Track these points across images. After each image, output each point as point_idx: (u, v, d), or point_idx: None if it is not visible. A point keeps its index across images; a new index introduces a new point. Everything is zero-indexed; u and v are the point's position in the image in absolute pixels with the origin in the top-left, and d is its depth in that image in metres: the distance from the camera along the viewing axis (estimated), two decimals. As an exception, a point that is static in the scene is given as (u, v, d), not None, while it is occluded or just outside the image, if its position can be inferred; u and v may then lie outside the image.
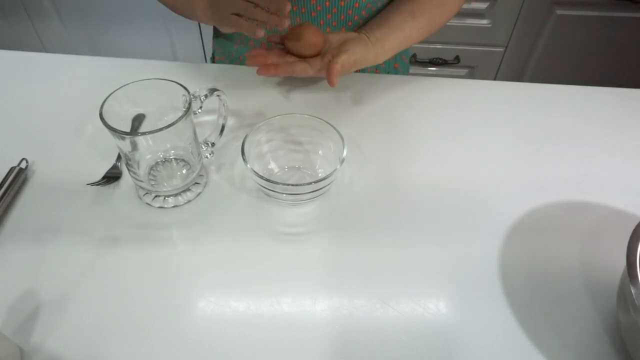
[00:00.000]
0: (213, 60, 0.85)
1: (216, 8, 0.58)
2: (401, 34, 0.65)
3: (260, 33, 0.54)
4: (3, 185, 0.52)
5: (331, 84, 0.57)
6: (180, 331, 0.43)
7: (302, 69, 0.61)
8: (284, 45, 0.63)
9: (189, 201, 0.54)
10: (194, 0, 0.61)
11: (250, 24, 0.55)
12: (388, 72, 0.79)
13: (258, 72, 0.60)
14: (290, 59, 0.62)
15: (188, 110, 0.48)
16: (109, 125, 0.45)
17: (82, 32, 1.57)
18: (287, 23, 0.54)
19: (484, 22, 1.37)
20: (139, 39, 1.57)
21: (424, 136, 0.62)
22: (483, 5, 1.33)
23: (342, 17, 0.68)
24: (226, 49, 0.78)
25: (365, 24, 0.68)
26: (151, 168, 0.53)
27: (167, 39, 1.55)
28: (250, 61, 0.60)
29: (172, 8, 0.68)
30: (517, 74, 1.51)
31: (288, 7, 0.53)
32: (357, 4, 0.67)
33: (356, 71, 0.74)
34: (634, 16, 1.32)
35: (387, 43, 0.64)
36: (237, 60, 0.77)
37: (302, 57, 0.62)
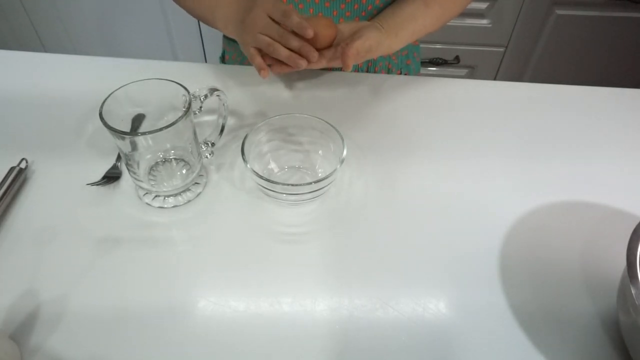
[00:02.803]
0: (223, 59, 0.84)
1: (243, 34, 0.61)
2: (414, 23, 0.64)
3: (265, 74, 0.57)
4: (3, 185, 0.52)
5: (346, 66, 0.56)
6: (180, 331, 0.43)
7: (315, 61, 0.59)
8: None
9: (189, 201, 0.54)
10: (217, 14, 0.64)
11: (261, 62, 0.58)
12: (400, 68, 0.78)
13: (271, 71, 0.59)
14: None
15: (188, 110, 0.48)
16: (109, 125, 0.45)
17: (82, 31, 1.57)
18: (316, 56, 0.56)
19: (484, 22, 1.37)
20: (139, 39, 1.57)
21: (423, 136, 0.62)
22: (483, 5, 1.33)
23: (355, 7, 0.67)
24: (239, 46, 0.78)
25: (378, 13, 0.67)
26: (151, 168, 0.53)
27: (167, 39, 1.55)
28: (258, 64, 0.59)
29: (191, 12, 0.70)
30: (517, 74, 1.51)
31: (310, 32, 0.55)
32: None
33: (357, 71, 0.74)
34: (634, 16, 1.32)
35: (400, 32, 0.63)
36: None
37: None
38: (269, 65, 0.59)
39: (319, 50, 0.60)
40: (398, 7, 0.65)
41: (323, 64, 0.60)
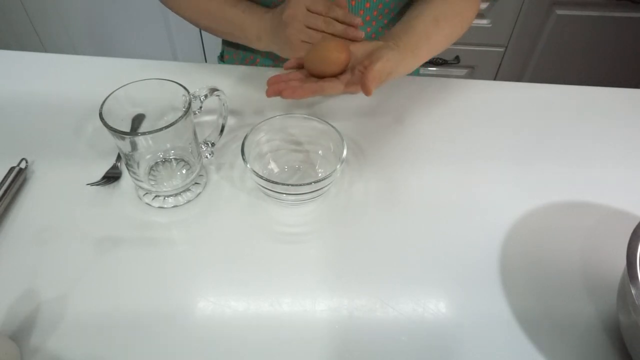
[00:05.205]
0: (222, 58, 0.85)
1: (284, 30, 0.58)
2: (428, 42, 0.60)
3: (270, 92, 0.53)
4: (3, 185, 0.52)
5: (367, 92, 0.48)
6: (180, 331, 0.43)
7: (332, 86, 0.52)
8: (305, 68, 0.55)
9: (189, 201, 0.54)
10: (248, 29, 0.64)
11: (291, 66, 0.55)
12: None
13: (282, 96, 0.51)
14: (314, 79, 0.54)
15: (188, 110, 0.48)
16: (109, 125, 0.45)
17: (82, 31, 1.57)
18: (362, 35, 0.55)
19: (484, 22, 1.37)
20: (139, 39, 1.57)
21: (423, 136, 0.62)
22: (483, 5, 1.33)
23: (374, 13, 0.66)
24: (238, 48, 0.78)
25: (386, 33, 0.63)
26: (151, 168, 0.53)
27: (167, 39, 1.55)
28: (270, 91, 0.51)
29: (213, 32, 0.71)
30: (517, 74, 1.51)
31: (359, 21, 0.55)
32: (368, 4, 0.65)
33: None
34: (634, 16, 1.31)
35: (417, 50, 0.58)
36: (248, 57, 0.77)
37: (327, 77, 0.54)
38: (285, 90, 0.52)
39: (330, 76, 0.54)
40: (409, 26, 0.60)
41: (341, 89, 0.52)
